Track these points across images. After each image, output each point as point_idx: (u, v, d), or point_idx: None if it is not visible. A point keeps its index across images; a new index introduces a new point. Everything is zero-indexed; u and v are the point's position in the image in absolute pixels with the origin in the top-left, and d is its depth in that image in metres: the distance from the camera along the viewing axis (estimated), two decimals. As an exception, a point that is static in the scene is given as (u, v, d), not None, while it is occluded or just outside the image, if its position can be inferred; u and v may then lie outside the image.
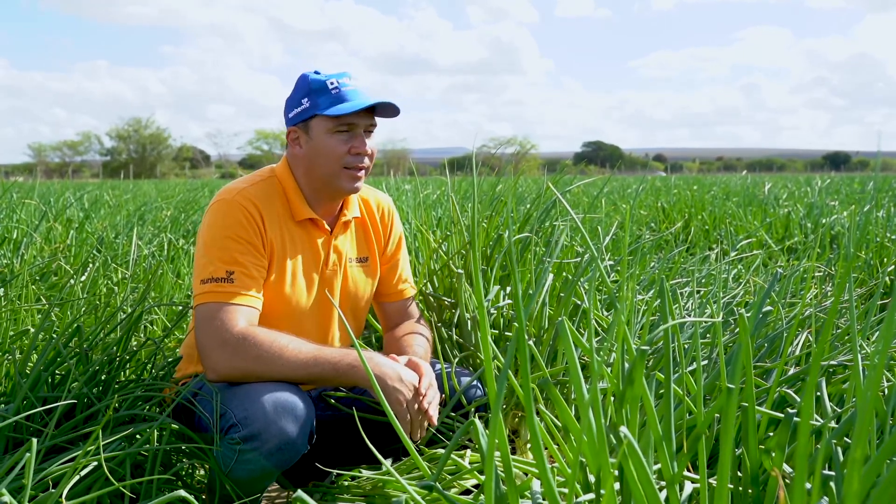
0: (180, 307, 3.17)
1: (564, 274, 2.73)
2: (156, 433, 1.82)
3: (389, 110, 1.99)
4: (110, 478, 1.66)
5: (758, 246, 4.78)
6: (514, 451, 2.29)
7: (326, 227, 2.05)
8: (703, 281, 3.08)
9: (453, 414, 2.17)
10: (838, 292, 1.07)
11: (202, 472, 2.28)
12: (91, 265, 3.16)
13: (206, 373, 1.82)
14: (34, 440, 1.26)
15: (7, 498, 1.32)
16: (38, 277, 3.11)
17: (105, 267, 3.13)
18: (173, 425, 1.83)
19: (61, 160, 67.29)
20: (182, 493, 1.43)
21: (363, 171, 1.99)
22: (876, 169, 1.34)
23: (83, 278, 2.90)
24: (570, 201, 3.01)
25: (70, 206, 5.41)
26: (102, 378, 1.95)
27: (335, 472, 2.06)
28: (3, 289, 2.25)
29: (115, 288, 2.91)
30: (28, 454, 1.21)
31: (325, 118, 1.93)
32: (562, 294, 2.35)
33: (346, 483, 2.02)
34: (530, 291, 2.59)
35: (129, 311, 2.29)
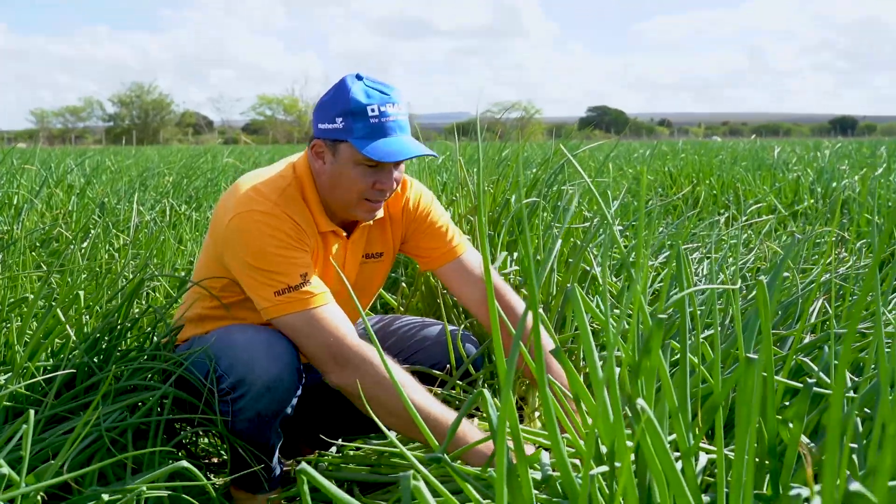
0: (182, 273, 3.14)
1: (572, 239, 2.68)
2: (158, 401, 1.80)
3: (427, 155, 1.84)
4: (112, 448, 1.64)
5: (767, 211, 4.72)
6: (521, 420, 2.26)
7: (343, 233, 1.96)
8: (713, 246, 3.03)
9: (460, 382, 2.14)
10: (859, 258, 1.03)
11: (206, 440, 2.26)
12: (92, 231, 3.11)
13: (326, 377, 1.78)
14: (32, 411, 1.23)
15: (5, 469, 1.29)
16: (38, 244, 3.07)
17: (106, 233, 3.09)
18: (175, 393, 1.80)
19: (64, 126, 67.05)
20: (185, 463, 1.40)
21: (381, 203, 1.88)
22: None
23: (84, 244, 2.86)
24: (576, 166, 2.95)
25: (71, 172, 5.35)
26: (103, 347, 1.92)
27: (340, 441, 2.03)
28: (1, 255, 2.21)
29: (116, 255, 2.87)
30: (25, 426, 1.18)
31: (356, 149, 1.77)
32: (570, 260, 2.31)
33: (351, 453, 2.00)
34: (538, 257, 2.54)
35: (130, 278, 2.25)
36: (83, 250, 2.70)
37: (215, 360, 1.78)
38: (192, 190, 5.15)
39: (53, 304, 1.90)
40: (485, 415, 2.11)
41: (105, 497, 1.38)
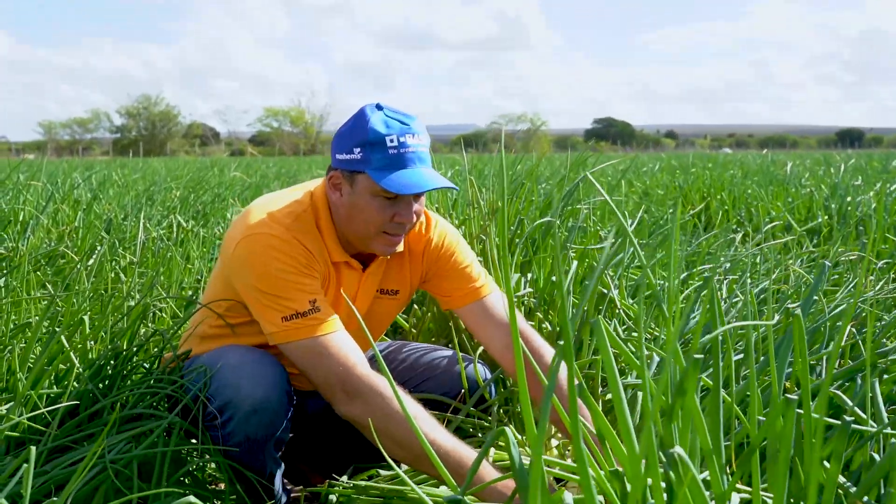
0: (190, 292, 3.10)
1: (587, 260, 2.63)
2: (164, 430, 1.74)
3: (446, 188, 1.79)
4: (116, 482, 1.58)
5: (781, 228, 4.65)
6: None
7: (359, 266, 1.90)
8: (729, 266, 2.97)
9: (474, 409, 2.08)
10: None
11: (213, 464, 2.20)
12: (98, 248, 3.07)
13: (335, 407, 1.72)
14: (33, 448, 1.17)
15: (6, 507, 1.23)
16: (44, 262, 3.02)
17: (112, 251, 3.04)
18: (181, 423, 1.74)
19: (71, 137, 67.31)
20: (192, 499, 1.34)
21: (401, 237, 1.82)
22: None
23: (90, 262, 2.81)
24: (589, 183, 2.89)
25: (78, 187, 5.32)
26: (108, 373, 1.86)
27: (350, 469, 1.98)
28: (3, 278, 2.16)
29: (123, 275, 2.82)
30: (26, 464, 1.12)
31: (373, 181, 1.72)
32: (586, 282, 2.25)
33: (362, 483, 1.94)
34: (553, 278, 2.48)
35: (137, 300, 2.20)
36: (89, 269, 2.65)
37: (207, 381, 1.74)
38: (200, 205, 5.11)
39: (57, 329, 1.85)
40: (502, 443, 2.06)
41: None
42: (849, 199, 5.02)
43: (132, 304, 2.36)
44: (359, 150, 1.72)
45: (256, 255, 1.72)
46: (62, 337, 1.82)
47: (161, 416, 1.75)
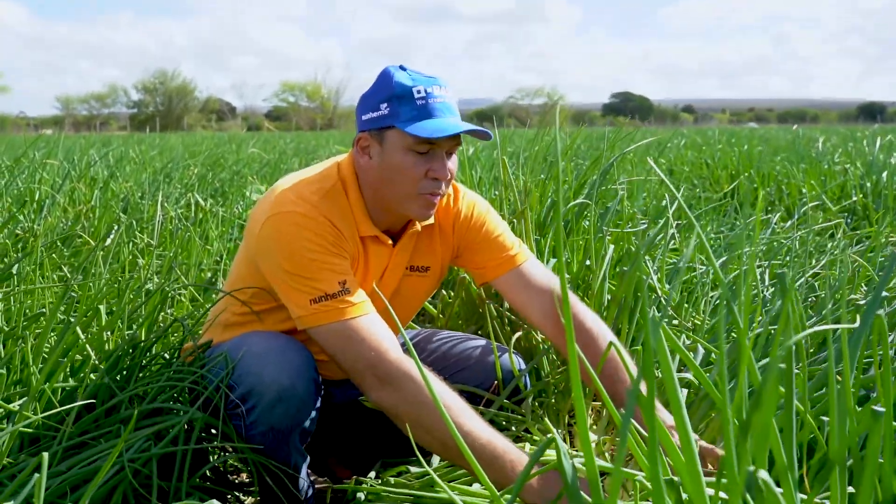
0: (209, 274, 3.01)
1: (622, 244, 2.52)
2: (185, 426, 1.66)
3: (479, 132, 1.70)
4: (134, 482, 1.50)
5: (814, 208, 4.51)
6: (571, 437, 2.11)
7: (389, 241, 1.80)
8: (764, 249, 2.85)
9: (507, 401, 1.98)
10: None
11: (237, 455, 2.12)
12: (116, 228, 2.99)
13: (366, 394, 1.63)
14: (45, 455, 1.08)
15: (18, 513, 1.15)
16: (59, 242, 2.94)
17: (129, 232, 2.96)
18: (205, 418, 1.66)
19: (89, 112, 67.52)
20: (214, 503, 1.26)
21: (438, 198, 1.72)
22: None
23: (107, 243, 2.73)
24: (617, 162, 2.77)
25: (95, 164, 5.24)
26: (126, 364, 1.78)
27: (378, 464, 1.89)
28: (17, 264, 2.07)
29: (140, 258, 2.74)
30: (37, 475, 1.04)
31: (403, 133, 1.64)
32: (624, 268, 2.14)
33: (392, 479, 1.85)
34: (588, 262, 2.38)
35: (156, 285, 2.12)
36: (105, 250, 2.57)
37: (229, 370, 1.66)
38: (218, 182, 5.02)
39: (73, 318, 1.76)
40: (536, 437, 1.96)
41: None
42: (885, 175, 4.86)
43: (150, 287, 2.28)
44: (385, 105, 1.65)
45: (283, 235, 1.64)
46: (77, 328, 1.74)
47: (181, 409, 1.66)
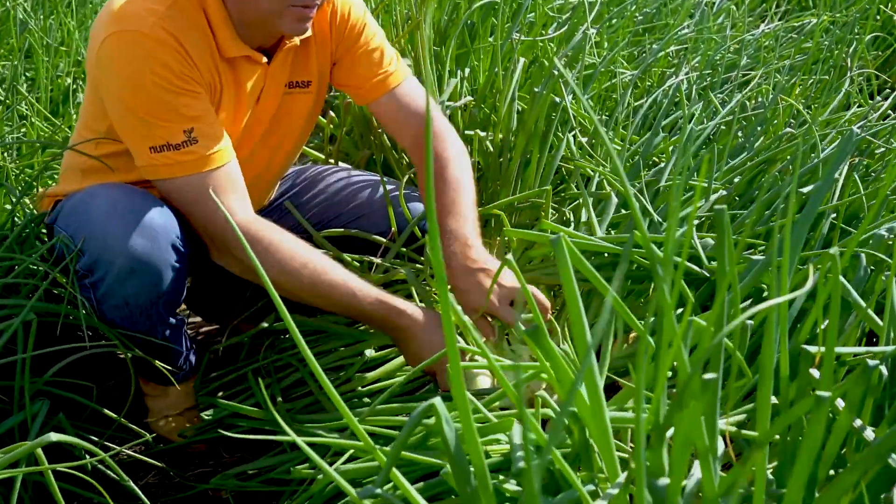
0: (69, 82, 2.61)
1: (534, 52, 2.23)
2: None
3: None
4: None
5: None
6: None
7: (263, 59, 1.53)
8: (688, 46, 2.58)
9: (404, 249, 1.79)
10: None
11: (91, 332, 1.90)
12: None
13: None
14: None
15: None
16: None
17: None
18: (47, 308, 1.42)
19: None
20: (52, 436, 1.06)
21: (314, 10, 1.44)
22: None
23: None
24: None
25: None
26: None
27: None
28: None
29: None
30: None
31: None
32: (536, 88, 1.87)
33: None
34: (494, 74, 2.10)
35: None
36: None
37: (72, 231, 1.41)
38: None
39: None
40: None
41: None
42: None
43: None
44: None
45: (120, 62, 1.37)
46: None
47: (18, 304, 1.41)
